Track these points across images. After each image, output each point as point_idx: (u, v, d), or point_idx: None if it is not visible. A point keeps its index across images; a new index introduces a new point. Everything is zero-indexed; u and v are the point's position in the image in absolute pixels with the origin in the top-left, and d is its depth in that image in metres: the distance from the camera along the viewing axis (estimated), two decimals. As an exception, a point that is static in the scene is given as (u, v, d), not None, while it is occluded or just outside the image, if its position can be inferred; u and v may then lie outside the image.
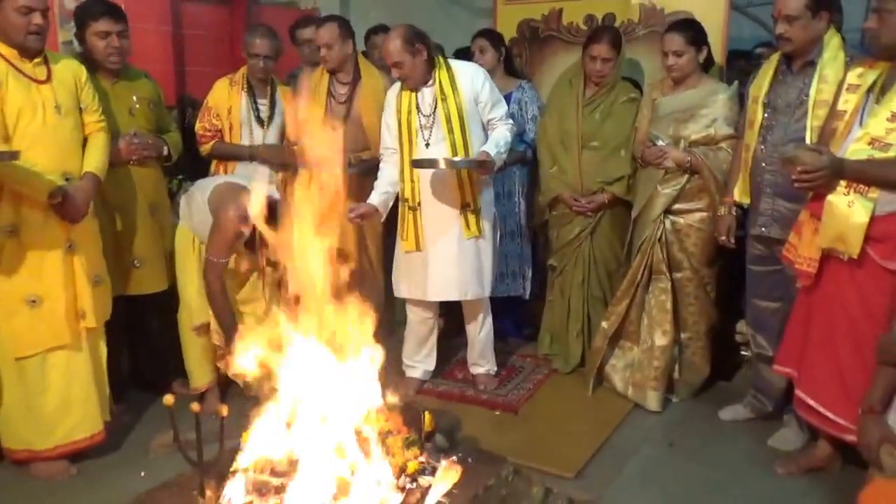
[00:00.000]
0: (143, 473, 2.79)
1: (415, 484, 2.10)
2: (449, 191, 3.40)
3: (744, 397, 3.46)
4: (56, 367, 2.87)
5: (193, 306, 3.35)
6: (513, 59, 4.35)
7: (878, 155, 2.47)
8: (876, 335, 2.38)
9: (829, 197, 2.56)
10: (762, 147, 3.05)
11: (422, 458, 2.18)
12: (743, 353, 3.87)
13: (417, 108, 3.38)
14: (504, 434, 3.30)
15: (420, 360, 3.74)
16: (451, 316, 4.09)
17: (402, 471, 2.13)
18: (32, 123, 2.73)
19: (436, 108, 3.34)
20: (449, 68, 3.37)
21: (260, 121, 3.79)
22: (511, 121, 3.48)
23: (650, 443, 3.26)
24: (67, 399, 2.90)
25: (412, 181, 3.43)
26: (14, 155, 2.55)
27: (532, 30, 4.51)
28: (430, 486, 2.08)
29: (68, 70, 2.91)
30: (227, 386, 3.50)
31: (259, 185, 3.21)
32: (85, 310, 2.90)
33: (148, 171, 3.37)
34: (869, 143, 2.50)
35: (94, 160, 2.92)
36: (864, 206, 2.48)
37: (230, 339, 3.33)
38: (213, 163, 3.83)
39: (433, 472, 2.13)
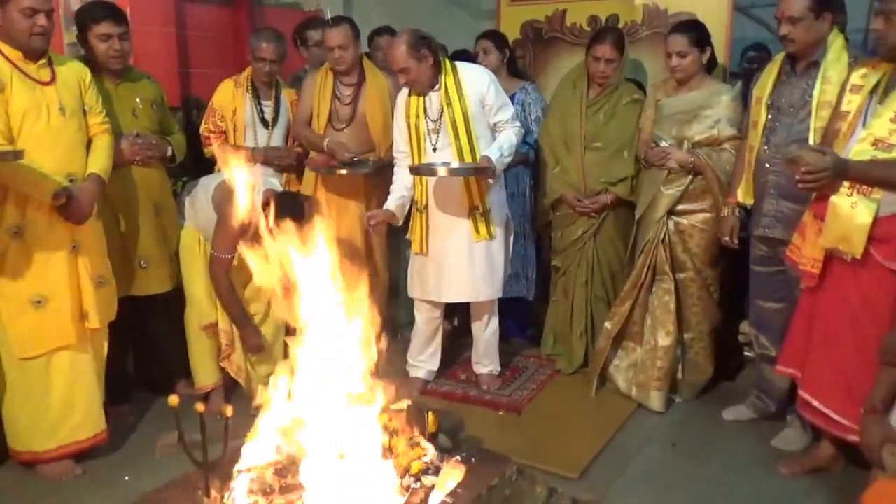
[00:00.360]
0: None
1: (418, 484, 2.11)
2: (456, 194, 3.41)
3: (747, 398, 3.46)
4: (60, 367, 2.88)
5: (201, 306, 3.37)
6: (516, 61, 4.35)
7: (882, 156, 2.47)
8: (879, 335, 2.38)
9: (833, 198, 2.56)
10: (766, 148, 3.05)
11: (426, 458, 2.19)
12: (746, 353, 3.87)
13: (425, 112, 3.38)
14: (507, 434, 3.31)
15: (424, 360, 3.75)
16: (461, 317, 4.10)
17: (405, 471, 2.13)
18: (37, 125, 2.73)
19: (442, 112, 3.35)
20: (455, 72, 3.37)
21: (264, 122, 3.81)
22: (518, 123, 3.48)
23: (653, 443, 3.27)
24: (71, 399, 2.91)
25: (421, 184, 3.45)
26: (18, 154, 2.55)
27: (535, 31, 4.51)
28: (433, 486, 2.09)
29: (72, 72, 2.92)
30: (232, 386, 3.52)
31: (262, 180, 3.24)
32: (88, 311, 2.91)
33: (152, 171, 3.38)
34: (872, 144, 2.50)
35: (99, 161, 2.92)
36: (868, 206, 2.48)
37: (243, 330, 3.36)
38: (218, 164, 3.84)
39: (437, 472, 2.14)
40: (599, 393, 3.71)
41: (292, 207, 2.83)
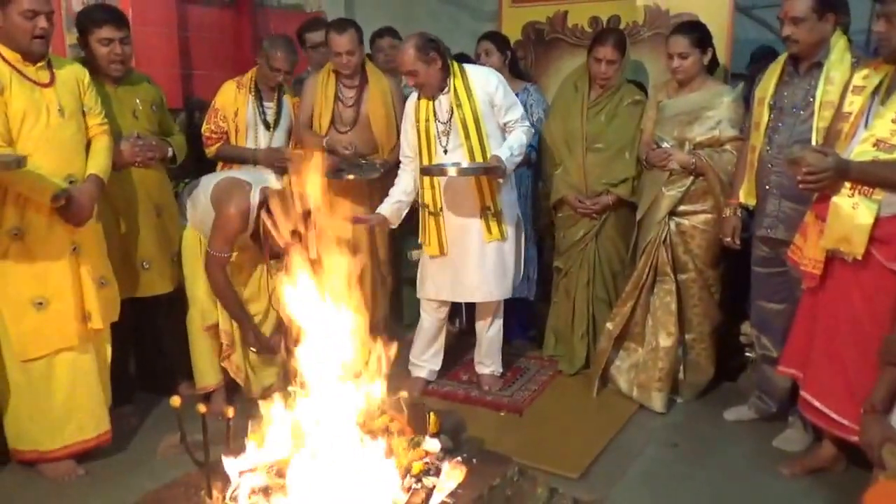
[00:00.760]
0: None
1: (419, 484, 2.11)
2: (468, 195, 3.42)
3: (748, 398, 3.46)
4: (63, 368, 2.88)
5: (203, 307, 3.37)
6: (518, 62, 4.35)
7: (883, 156, 2.47)
8: (880, 336, 2.39)
9: (834, 198, 2.56)
10: (768, 148, 3.05)
11: (426, 459, 2.19)
12: (747, 354, 3.86)
13: (435, 115, 3.39)
14: (509, 435, 3.30)
15: (427, 360, 3.76)
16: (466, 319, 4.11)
17: (406, 471, 2.14)
18: (36, 127, 2.73)
19: (452, 114, 3.36)
20: (464, 74, 3.38)
21: (266, 124, 3.82)
22: (527, 123, 3.49)
23: (655, 443, 3.27)
24: (74, 399, 2.91)
25: (432, 187, 3.45)
26: (21, 162, 2.54)
27: (537, 32, 4.51)
28: (434, 487, 2.09)
29: (71, 73, 2.92)
30: (233, 387, 3.52)
31: (262, 178, 3.24)
32: (91, 311, 2.91)
33: (152, 173, 3.38)
34: (874, 145, 2.50)
35: (98, 163, 2.92)
36: (869, 207, 2.49)
37: (242, 327, 3.36)
38: (219, 165, 3.85)
39: (438, 472, 2.14)
40: (601, 394, 3.71)
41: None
